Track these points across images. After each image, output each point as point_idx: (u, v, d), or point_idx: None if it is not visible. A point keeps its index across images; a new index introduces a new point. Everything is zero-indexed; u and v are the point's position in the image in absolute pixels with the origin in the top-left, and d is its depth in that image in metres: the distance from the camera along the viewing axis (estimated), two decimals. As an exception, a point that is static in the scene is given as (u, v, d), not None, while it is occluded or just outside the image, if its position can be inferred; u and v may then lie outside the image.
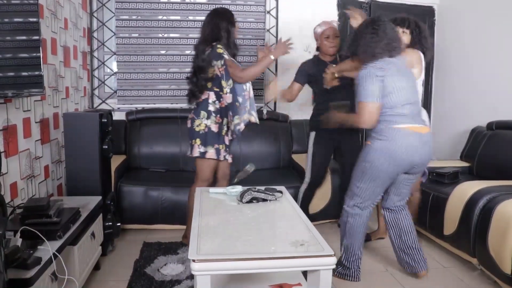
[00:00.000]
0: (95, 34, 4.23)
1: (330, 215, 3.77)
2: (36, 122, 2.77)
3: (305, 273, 2.05)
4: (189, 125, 3.06)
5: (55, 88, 3.13)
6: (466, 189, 3.01)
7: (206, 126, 2.99)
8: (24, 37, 2.34)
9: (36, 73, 2.42)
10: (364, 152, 2.61)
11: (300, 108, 4.46)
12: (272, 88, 3.38)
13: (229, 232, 2.03)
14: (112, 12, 4.21)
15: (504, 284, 2.57)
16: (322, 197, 3.69)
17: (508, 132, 3.49)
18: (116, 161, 3.57)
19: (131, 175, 3.79)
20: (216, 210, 2.38)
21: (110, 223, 2.99)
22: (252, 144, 4.02)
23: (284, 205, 2.41)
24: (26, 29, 2.35)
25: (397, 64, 2.53)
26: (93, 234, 2.58)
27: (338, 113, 2.87)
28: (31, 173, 2.69)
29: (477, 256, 2.82)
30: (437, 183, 3.40)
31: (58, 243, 2.01)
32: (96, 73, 4.29)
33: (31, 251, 1.85)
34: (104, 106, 4.27)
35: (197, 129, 3.00)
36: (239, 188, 2.52)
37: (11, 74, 2.24)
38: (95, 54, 4.26)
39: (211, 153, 3.00)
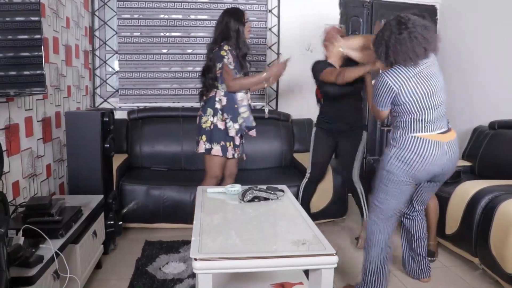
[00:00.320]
0: (96, 33, 4.24)
1: (332, 214, 3.76)
2: (38, 121, 2.77)
3: (306, 272, 2.05)
4: (197, 121, 3.10)
5: (57, 87, 3.13)
6: (468, 188, 3.00)
7: (212, 123, 3.01)
8: (26, 36, 2.34)
9: (38, 72, 2.43)
10: (382, 159, 2.43)
11: (301, 107, 4.46)
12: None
13: (230, 231, 2.04)
14: (113, 11, 4.21)
15: (506, 283, 2.56)
16: (323, 196, 3.68)
17: (510, 131, 3.48)
18: (117, 160, 3.57)
19: (132, 174, 3.79)
20: (218, 209, 2.38)
21: (112, 222, 2.99)
22: (254, 143, 4.01)
23: (285, 204, 2.40)
24: (28, 28, 2.35)
25: (423, 66, 2.28)
26: (95, 233, 2.58)
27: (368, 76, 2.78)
28: (33, 172, 2.70)
29: (479, 255, 2.81)
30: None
31: (60, 242, 2.01)
32: (98, 72, 4.29)
33: (33, 250, 1.86)
34: (105, 105, 4.28)
35: (203, 126, 3.03)
36: (238, 187, 2.52)
37: (13, 73, 2.24)
38: (97, 53, 4.27)
39: (216, 149, 3.01)
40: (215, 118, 3.01)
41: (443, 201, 3.14)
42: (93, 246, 2.56)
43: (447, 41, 4.60)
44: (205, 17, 4.28)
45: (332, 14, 4.52)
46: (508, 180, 3.12)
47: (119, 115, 4.14)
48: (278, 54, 4.44)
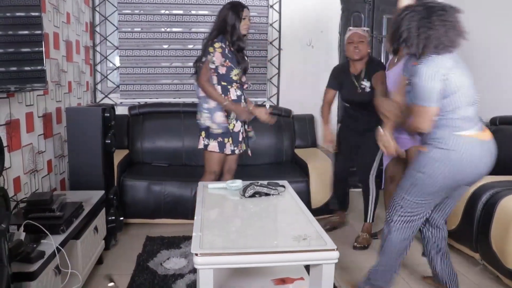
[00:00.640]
0: (97, 29, 4.23)
1: (333, 210, 3.76)
2: (39, 117, 2.77)
3: (307, 268, 2.06)
4: (197, 118, 3.11)
5: (58, 82, 3.13)
6: (469, 184, 3.00)
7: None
8: (26, 32, 2.34)
9: (39, 67, 2.42)
10: (418, 161, 2.19)
11: (303, 102, 4.46)
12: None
13: (231, 226, 2.04)
14: (114, 6, 4.20)
15: (507, 279, 2.57)
16: (324, 193, 3.69)
17: (511, 127, 3.48)
18: (118, 155, 3.58)
19: (133, 169, 3.79)
20: (219, 205, 2.39)
21: (113, 218, 3.00)
22: (256, 137, 3.99)
23: (286, 199, 2.41)
24: (28, 24, 2.35)
25: (457, 58, 2.12)
26: (96, 228, 2.59)
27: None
28: (34, 167, 2.70)
29: (479, 251, 2.82)
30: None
31: (61, 237, 2.01)
32: (98, 67, 4.29)
33: (35, 245, 1.86)
34: (106, 101, 4.27)
35: (202, 122, 3.03)
36: (239, 183, 2.52)
37: (14, 68, 2.24)
38: (98, 48, 4.26)
39: (213, 145, 3.01)
40: None
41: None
42: (94, 241, 2.57)
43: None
44: (206, 12, 4.27)
45: (333, 9, 4.50)
46: (509, 176, 3.12)
47: (120, 110, 4.13)
48: (279, 32, 4.42)
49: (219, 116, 2.98)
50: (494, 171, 3.36)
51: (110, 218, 2.96)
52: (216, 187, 2.61)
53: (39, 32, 2.40)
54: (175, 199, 3.50)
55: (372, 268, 2.39)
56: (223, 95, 2.97)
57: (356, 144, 3.36)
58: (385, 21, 4.60)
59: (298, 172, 3.85)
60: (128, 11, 4.19)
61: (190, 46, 4.28)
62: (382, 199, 3.41)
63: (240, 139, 3.09)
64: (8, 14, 2.17)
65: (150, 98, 4.33)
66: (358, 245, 3.20)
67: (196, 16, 4.26)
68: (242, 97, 3.09)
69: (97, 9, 4.19)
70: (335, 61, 4.44)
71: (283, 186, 2.54)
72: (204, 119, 3.02)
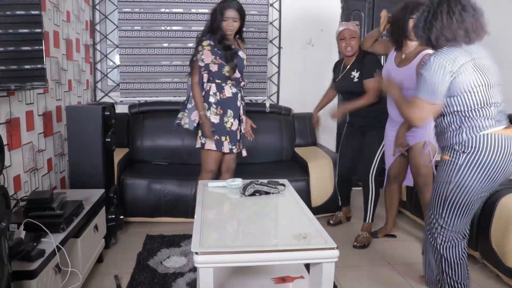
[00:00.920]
0: (97, 27, 4.22)
1: (333, 209, 3.76)
2: (39, 115, 2.77)
3: (307, 266, 2.06)
4: None
5: (58, 81, 3.13)
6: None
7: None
8: (26, 30, 2.33)
9: (39, 66, 2.42)
10: (445, 172, 2.06)
11: (303, 101, 4.46)
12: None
13: (231, 225, 2.04)
14: (114, 4, 4.20)
15: (506, 277, 2.57)
16: (324, 191, 3.69)
17: None
18: (118, 154, 3.58)
19: (134, 168, 3.79)
20: (219, 203, 2.39)
21: (113, 216, 3.00)
22: (255, 137, 4.01)
23: (286, 198, 2.41)
24: (29, 22, 2.34)
25: (475, 55, 1.99)
26: (96, 227, 2.59)
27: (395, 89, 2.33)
28: (34, 166, 2.70)
29: (479, 249, 2.81)
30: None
31: (61, 236, 2.01)
32: (98, 66, 4.29)
33: (35, 244, 1.86)
34: (106, 99, 4.27)
35: (179, 118, 3.10)
36: (239, 181, 2.52)
37: (14, 67, 2.24)
38: (98, 47, 4.26)
39: (209, 144, 3.01)
40: (208, 112, 3.02)
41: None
42: (94, 240, 2.57)
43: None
44: (206, 10, 4.25)
45: (333, 8, 4.49)
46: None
47: (120, 109, 4.13)
48: (280, 30, 4.43)
49: (194, 115, 3.06)
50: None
51: (110, 216, 2.97)
52: (216, 185, 2.61)
53: (39, 30, 2.40)
54: (175, 197, 3.51)
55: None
56: (204, 104, 3.01)
57: (360, 144, 3.38)
58: (385, 20, 4.59)
59: (298, 170, 3.85)
60: (128, 9, 4.19)
61: (190, 45, 4.26)
62: (383, 198, 3.41)
63: (238, 137, 3.10)
64: (8, 13, 2.17)
65: (150, 97, 4.33)
66: (358, 244, 3.20)
67: (196, 15, 4.26)
68: (239, 94, 3.08)
69: (97, 7, 4.19)
70: (335, 59, 4.41)
71: (283, 185, 2.54)
72: (181, 115, 3.11)
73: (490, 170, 1.97)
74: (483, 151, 1.96)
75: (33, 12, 2.36)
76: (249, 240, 1.86)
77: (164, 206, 3.51)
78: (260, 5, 4.35)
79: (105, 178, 2.94)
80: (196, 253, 1.65)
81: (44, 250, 1.84)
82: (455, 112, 2.01)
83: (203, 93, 3.03)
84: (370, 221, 3.29)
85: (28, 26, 2.35)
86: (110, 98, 4.30)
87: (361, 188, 3.43)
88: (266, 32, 4.40)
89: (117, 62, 4.30)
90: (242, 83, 3.13)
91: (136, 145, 4.03)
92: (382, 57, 3.71)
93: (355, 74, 3.22)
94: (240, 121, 3.12)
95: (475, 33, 1.97)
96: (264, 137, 4.15)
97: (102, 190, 2.81)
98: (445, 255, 2.17)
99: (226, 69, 2.98)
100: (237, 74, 3.05)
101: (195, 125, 3.07)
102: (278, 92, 4.55)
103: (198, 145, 3.07)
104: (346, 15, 4.50)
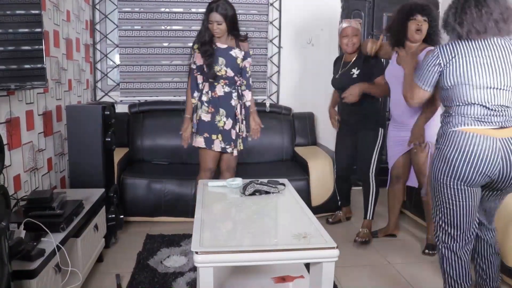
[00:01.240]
0: (97, 27, 4.22)
1: (333, 208, 3.76)
2: (39, 115, 2.77)
3: (307, 265, 2.06)
4: None
5: (58, 80, 3.13)
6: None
7: (198, 115, 3.05)
8: (26, 30, 2.33)
9: (39, 65, 2.42)
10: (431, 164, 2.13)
11: (303, 100, 4.46)
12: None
13: (231, 225, 2.04)
14: (114, 4, 4.20)
15: (507, 277, 2.57)
16: (324, 190, 3.69)
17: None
18: (118, 153, 3.58)
19: (134, 167, 3.79)
20: (219, 203, 2.38)
21: (113, 216, 3.00)
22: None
23: (286, 197, 2.40)
24: (29, 22, 2.34)
25: (487, 51, 1.94)
26: (96, 227, 2.59)
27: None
28: (34, 165, 2.70)
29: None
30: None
31: (61, 235, 2.02)
32: (98, 65, 4.29)
33: (35, 243, 1.86)
34: (106, 99, 4.27)
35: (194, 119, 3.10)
36: (239, 181, 2.52)
37: (14, 66, 2.24)
38: (98, 46, 4.25)
39: (199, 141, 3.04)
40: (200, 110, 3.04)
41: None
42: (94, 239, 2.57)
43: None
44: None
45: (333, 7, 4.49)
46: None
47: (120, 108, 4.13)
48: (280, 30, 4.42)
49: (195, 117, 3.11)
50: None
51: (110, 216, 2.97)
52: (216, 185, 2.61)
53: (39, 30, 2.40)
54: (175, 197, 3.51)
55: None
56: (190, 109, 3.09)
57: (354, 142, 3.39)
58: (385, 19, 4.59)
59: (298, 170, 3.85)
60: (128, 9, 4.19)
61: (190, 44, 4.25)
62: (382, 196, 3.41)
63: (234, 137, 3.07)
64: (8, 12, 2.17)
65: (150, 96, 4.32)
66: (359, 239, 3.20)
67: (196, 14, 4.26)
68: (233, 94, 3.06)
69: (97, 7, 4.19)
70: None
71: (283, 184, 2.54)
72: None
73: (452, 167, 1.96)
74: (448, 147, 1.97)
75: (33, 12, 2.36)
76: (249, 239, 1.86)
77: (164, 206, 3.52)
78: (260, 5, 4.35)
79: (105, 177, 2.94)
80: (196, 253, 1.65)
81: (44, 249, 1.84)
82: (446, 107, 2.09)
83: (200, 93, 3.05)
84: (370, 218, 3.30)
85: (28, 26, 2.35)
86: (110, 97, 4.30)
87: (361, 188, 3.43)
88: (266, 31, 4.40)
89: (117, 61, 4.30)
90: (238, 82, 3.09)
91: (136, 144, 4.03)
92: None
93: (356, 72, 3.23)
94: (236, 121, 3.09)
95: (505, 22, 1.93)
96: (264, 136, 4.12)
97: (102, 190, 2.82)
98: (446, 254, 2.16)
99: (217, 68, 2.99)
100: (230, 73, 3.02)
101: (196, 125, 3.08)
102: (278, 91, 4.55)
103: (193, 144, 3.10)
104: (346, 15, 4.50)
